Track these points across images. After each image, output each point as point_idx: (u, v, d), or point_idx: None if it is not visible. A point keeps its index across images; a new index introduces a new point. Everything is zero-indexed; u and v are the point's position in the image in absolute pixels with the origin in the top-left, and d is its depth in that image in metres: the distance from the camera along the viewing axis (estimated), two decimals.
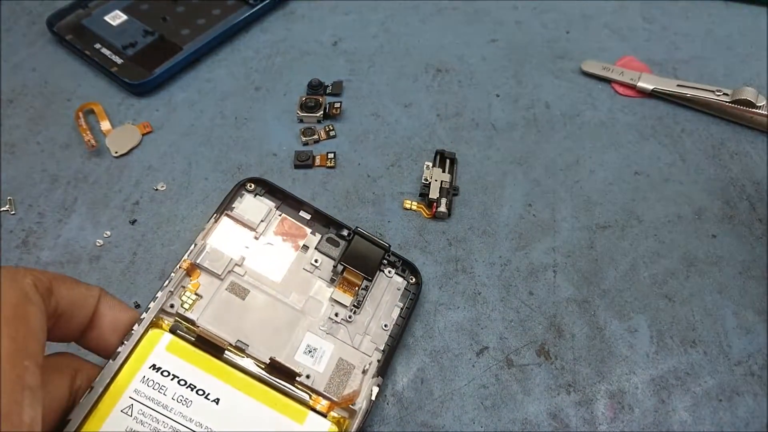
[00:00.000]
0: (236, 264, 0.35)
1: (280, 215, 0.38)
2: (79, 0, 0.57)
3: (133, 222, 0.45)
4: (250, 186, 0.38)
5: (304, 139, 0.50)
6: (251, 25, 0.58)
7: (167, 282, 0.33)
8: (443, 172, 0.47)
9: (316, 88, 0.52)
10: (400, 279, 0.39)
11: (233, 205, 0.37)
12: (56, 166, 0.48)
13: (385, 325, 0.37)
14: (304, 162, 0.48)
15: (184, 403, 0.29)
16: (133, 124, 0.50)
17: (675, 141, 0.51)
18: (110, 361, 0.29)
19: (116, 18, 0.56)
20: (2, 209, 0.46)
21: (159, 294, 0.32)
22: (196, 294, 0.34)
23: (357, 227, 0.38)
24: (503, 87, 0.54)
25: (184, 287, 0.34)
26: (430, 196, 0.45)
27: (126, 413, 0.28)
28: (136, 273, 0.43)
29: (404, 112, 0.52)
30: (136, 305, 0.41)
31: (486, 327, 0.41)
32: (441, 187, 0.46)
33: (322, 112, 0.51)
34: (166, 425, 0.28)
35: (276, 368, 0.32)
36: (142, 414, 0.28)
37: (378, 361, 0.36)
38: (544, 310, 0.42)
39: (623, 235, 0.45)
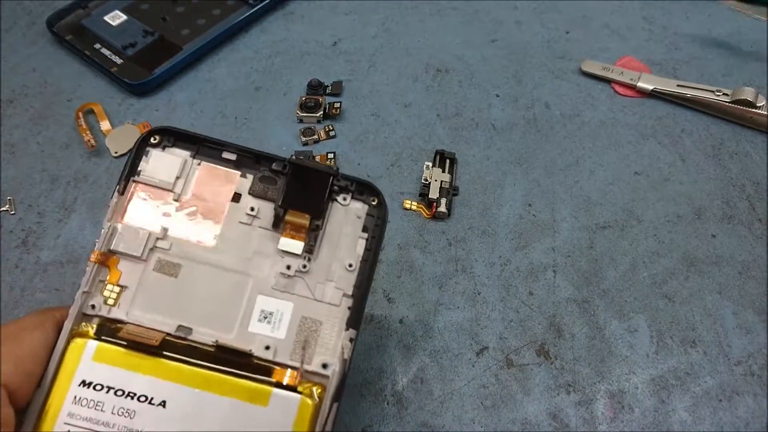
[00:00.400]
0: (158, 238, 0.30)
1: (198, 164, 0.31)
2: (79, 0, 0.57)
3: None
4: (154, 139, 0.31)
5: (303, 139, 0.50)
6: (251, 25, 0.58)
7: (82, 282, 0.28)
8: (443, 172, 0.47)
9: (316, 88, 0.52)
10: (359, 204, 0.32)
11: (139, 168, 0.30)
12: (56, 166, 0.48)
13: (350, 265, 0.31)
14: None
15: (127, 414, 0.26)
16: (133, 124, 0.50)
17: (675, 141, 0.51)
18: (36, 389, 0.26)
19: (116, 18, 0.56)
20: (2, 209, 0.46)
21: (76, 294, 0.28)
22: (118, 285, 0.29)
23: (291, 155, 0.33)
24: (503, 87, 0.54)
25: (102, 281, 0.28)
26: (430, 196, 0.45)
27: None
28: None
29: (404, 112, 0.52)
30: None
31: (486, 327, 0.41)
32: (441, 187, 0.46)
33: (321, 112, 0.51)
34: None
35: (226, 351, 0.28)
36: None
37: (348, 308, 0.30)
38: (543, 310, 0.42)
39: (623, 235, 0.45)
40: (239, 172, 0.31)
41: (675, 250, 0.45)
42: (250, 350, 0.28)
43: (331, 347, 0.30)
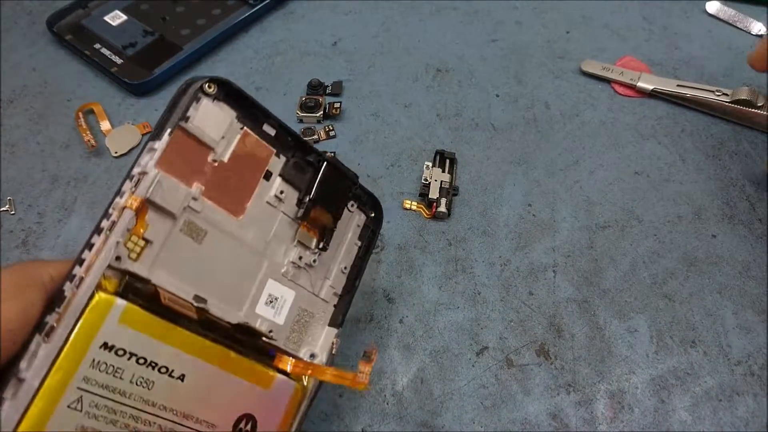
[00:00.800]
0: (193, 198, 0.27)
1: (241, 128, 0.29)
2: (79, 0, 0.57)
3: None
4: (210, 88, 0.27)
5: (304, 139, 0.50)
6: (251, 25, 0.58)
7: (108, 224, 0.24)
8: (443, 172, 0.47)
9: (316, 88, 0.52)
10: (362, 214, 0.34)
11: (188, 114, 0.26)
12: (56, 166, 0.48)
13: (345, 268, 0.33)
14: None
15: (146, 385, 0.24)
16: (133, 124, 0.50)
17: (675, 141, 0.51)
18: (41, 341, 0.22)
19: (116, 18, 0.56)
20: (2, 209, 0.46)
21: (96, 240, 0.24)
22: (143, 239, 0.25)
23: (327, 152, 0.33)
24: (503, 87, 0.54)
25: (128, 230, 0.24)
26: (430, 196, 0.45)
27: (74, 408, 0.23)
28: None
29: (404, 112, 0.52)
30: None
31: (486, 327, 0.41)
32: (441, 187, 0.46)
33: (321, 112, 0.51)
34: (124, 415, 0.24)
35: (243, 329, 0.28)
36: (95, 407, 0.23)
37: (334, 306, 0.33)
38: (543, 310, 0.42)
39: (623, 235, 0.45)
40: (275, 150, 0.30)
41: (675, 250, 0.45)
42: (271, 332, 0.29)
43: (317, 339, 0.32)
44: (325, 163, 0.31)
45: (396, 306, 0.42)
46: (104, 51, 0.54)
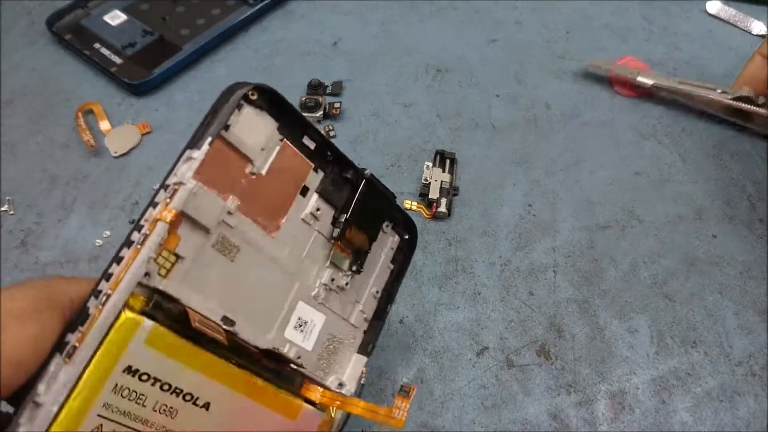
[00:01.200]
0: (228, 212, 0.25)
1: (281, 140, 0.27)
2: (78, 0, 0.57)
3: (133, 222, 0.45)
4: (253, 95, 0.26)
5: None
6: (251, 25, 0.58)
7: (140, 237, 0.23)
8: (443, 172, 0.47)
9: (316, 88, 0.52)
10: (396, 236, 0.32)
11: (228, 122, 0.25)
12: (56, 166, 0.48)
13: (377, 292, 0.31)
14: None
15: (169, 413, 0.23)
16: (133, 124, 0.50)
17: (675, 141, 0.51)
18: (62, 362, 0.21)
19: (116, 18, 0.56)
20: (1, 209, 0.45)
21: (125, 253, 0.23)
22: (174, 254, 0.23)
23: (367, 170, 0.30)
24: (503, 87, 0.54)
25: (161, 245, 0.23)
26: (430, 196, 0.45)
27: None
28: None
29: (404, 112, 0.52)
30: None
31: (486, 327, 0.41)
32: (441, 187, 0.46)
33: (322, 112, 0.51)
34: None
35: (271, 355, 0.27)
36: None
37: (364, 332, 0.31)
38: (544, 311, 0.42)
39: (623, 236, 0.45)
40: (313, 165, 0.28)
41: (675, 250, 0.45)
42: (302, 363, 0.27)
43: (345, 367, 0.30)
44: (364, 180, 0.30)
45: (396, 306, 0.41)
46: (104, 51, 0.54)
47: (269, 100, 0.26)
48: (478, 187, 0.48)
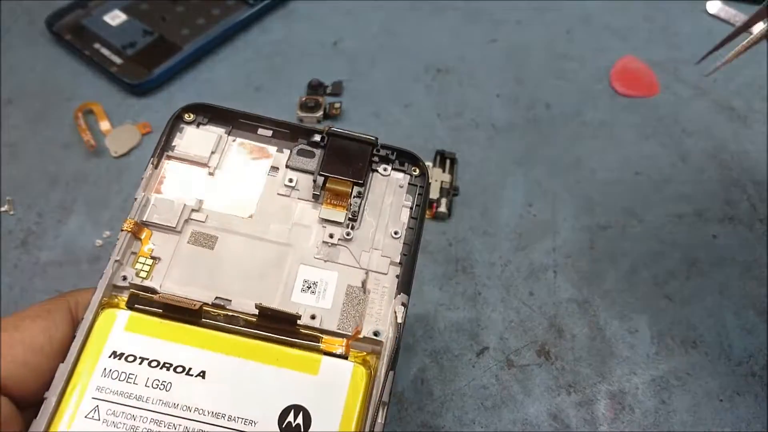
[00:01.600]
0: (193, 210, 0.29)
1: (234, 140, 0.31)
2: (78, 0, 0.57)
3: None
4: (189, 116, 0.31)
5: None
6: (251, 25, 0.58)
7: (113, 250, 0.27)
8: (443, 172, 0.47)
9: (316, 88, 0.52)
10: (400, 175, 0.32)
11: (173, 144, 0.30)
12: (56, 166, 0.48)
13: (396, 233, 0.30)
14: None
15: (163, 387, 0.24)
16: (133, 124, 0.50)
17: (675, 141, 0.51)
18: (60, 363, 0.24)
19: (115, 18, 0.56)
20: (1, 209, 0.45)
21: (105, 268, 0.27)
22: (151, 257, 0.27)
23: (330, 127, 0.32)
24: (503, 87, 0.54)
25: (134, 253, 0.27)
26: (430, 197, 0.45)
27: (92, 418, 0.23)
28: None
29: (404, 112, 0.52)
30: None
31: (486, 327, 0.41)
32: (441, 188, 0.46)
33: (322, 112, 0.51)
34: (145, 420, 0.24)
35: (268, 317, 0.27)
36: (113, 414, 0.24)
37: (396, 276, 0.29)
38: (544, 311, 0.42)
39: (624, 236, 0.45)
40: (276, 147, 0.31)
41: (676, 250, 0.45)
42: (297, 313, 0.27)
43: (382, 316, 0.28)
44: (330, 137, 0.31)
45: None
46: (104, 51, 0.54)
47: (212, 114, 0.31)
48: (479, 187, 0.48)
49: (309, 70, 0.54)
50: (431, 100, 0.53)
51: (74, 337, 0.24)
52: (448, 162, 0.48)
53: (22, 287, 0.42)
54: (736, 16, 0.59)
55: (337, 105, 0.51)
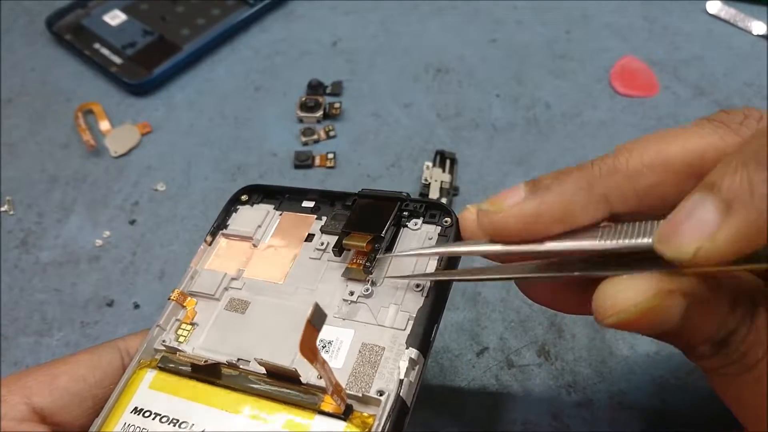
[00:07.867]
0: (232, 278, 0.31)
1: (280, 214, 0.33)
2: (78, 0, 0.57)
3: (133, 222, 0.45)
4: (245, 197, 0.33)
5: (303, 139, 0.50)
6: (251, 25, 0.58)
7: (160, 317, 0.30)
8: (443, 172, 0.47)
9: (315, 88, 0.52)
10: (432, 227, 0.31)
11: (227, 223, 0.33)
12: (55, 166, 0.48)
13: (417, 285, 0.29)
14: (303, 162, 0.48)
15: None
16: (133, 124, 0.50)
17: None
18: (97, 418, 0.27)
19: (115, 18, 0.56)
20: (1, 209, 0.45)
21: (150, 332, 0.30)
22: (191, 324, 0.30)
23: (363, 189, 0.32)
24: (503, 87, 0.54)
25: (178, 320, 0.30)
26: (430, 197, 0.45)
27: None
28: (136, 273, 0.42)
29: (404, 112, 0.52)
30: (136, 305, 0.41)
31: (486, 327, 0.41)
32: (441, 188, 0.46)
33: (321, 112, 0.51)
34: None
35: (274, 374, 0.27)
36: None
37: (411, 331, 0.28)
38: (544, 311, 0.42)
39: None
40: (315, 216, 0.33)
41: None
42: (294, 369, 0.26)
43: (395, 375, 0.27)
44: (357, 198, 0.31)
45: None
46: (103, 51, 0.54)
47: (265, 194, 0.34)
48: (478, 187, 0.48)
49: (308, 70, 0.54)
50: (431, 99, 0.53)
51: (110, 396, 0.27)
52: (447, 162, 0.48)
53: (21, 287, 0.42)
54: (736, 16, 0.59)
55: (336, 105, 0.51)
